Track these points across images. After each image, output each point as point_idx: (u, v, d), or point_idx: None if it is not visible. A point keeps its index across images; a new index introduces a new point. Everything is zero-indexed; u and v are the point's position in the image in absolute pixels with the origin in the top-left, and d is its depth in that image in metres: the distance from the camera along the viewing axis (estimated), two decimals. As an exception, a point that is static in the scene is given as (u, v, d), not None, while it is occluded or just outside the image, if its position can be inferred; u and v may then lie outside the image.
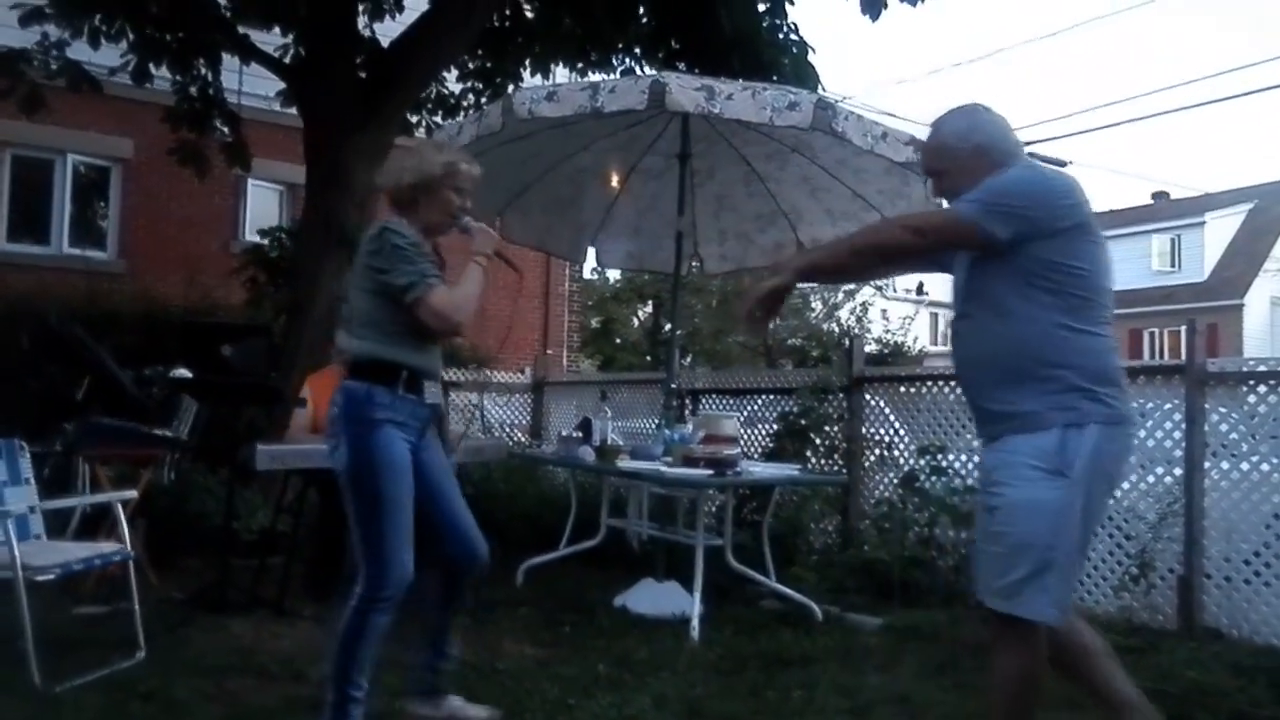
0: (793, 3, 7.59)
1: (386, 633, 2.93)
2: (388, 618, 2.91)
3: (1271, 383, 4.61)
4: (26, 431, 4.40)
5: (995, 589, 2.47)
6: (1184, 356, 4.85)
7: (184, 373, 6.02)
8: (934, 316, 43.72)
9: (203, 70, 7.85)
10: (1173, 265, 31.92)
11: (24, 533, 3.86)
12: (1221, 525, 4.66)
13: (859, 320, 25.49)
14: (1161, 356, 28.20)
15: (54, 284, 9.34)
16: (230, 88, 8.16)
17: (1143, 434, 5.09)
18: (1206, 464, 4.70)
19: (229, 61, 7.82)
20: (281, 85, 7.77)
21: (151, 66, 7.44)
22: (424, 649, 3.22)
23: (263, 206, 11.68)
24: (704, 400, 7.40)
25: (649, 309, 25.51)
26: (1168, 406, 4.96)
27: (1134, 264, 32.17)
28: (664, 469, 4.81)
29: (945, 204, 2.79)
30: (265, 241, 8.47)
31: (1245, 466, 4.64)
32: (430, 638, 3.22)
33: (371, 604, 2.88)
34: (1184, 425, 4.76)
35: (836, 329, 24.71)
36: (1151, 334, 30.75)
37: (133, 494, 4.43)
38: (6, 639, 3.52)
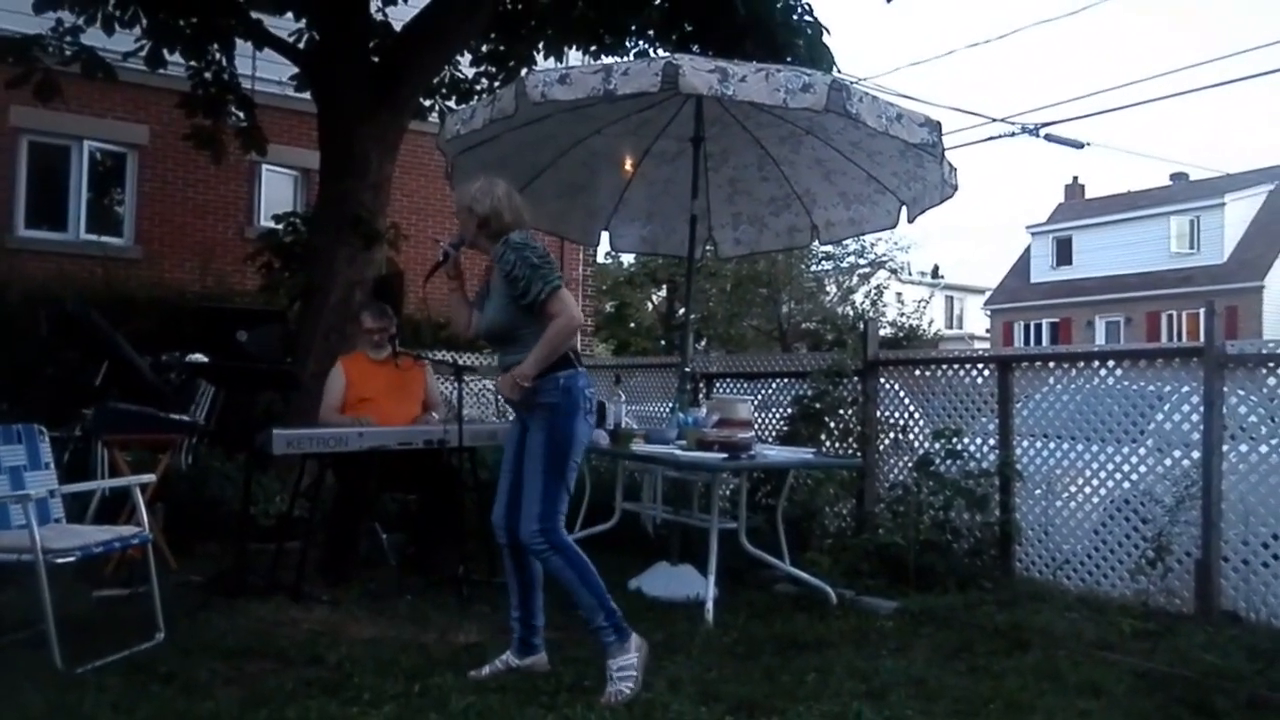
0: (807, -16, 7.53)
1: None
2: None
3: (1291, 365, 4.56)
4: (46, 417, 4.45)
5: None
6: (1202, 339, 4.81)
7: (200, 358, 6.07)
8: (949, 300, 43.45)
9: (217, 55, 7.85)
10: (1192, 247, 31.59)
11: (44, 516, 3.90)
12: (1239, 508, 4.63)
13: (874, 304, 25.42)
14: (1180, 339, 27.97)
15: (71, 270, 9.42)
16: (244, 73, 8.16)
17: (1160, 417, 5.06)
18: (1225, 447, 4.66)
19: (242, 47, 7.82)
20: (295, 69, 7.78)
21: (165, 52, 7.43)
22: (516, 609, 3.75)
23: (277, 192, 11.72)
24: (718, 384, 7.39)
25: (663, 293, 25.51)
26: (1185, 389, 4.92)
27: (1152, 246, 31.89)
28: (678, 452, 4.81)
29: None
30: (279, 227, 8.49)
31: (1264, 449, 4.60)
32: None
33: None
34: (1202, 408, 4.72)
35: (851, 312, 24.65)
36: (1170, 316, 30.50)
37: (151, 478, 4.47)
38: (28, 621, 3.58)
